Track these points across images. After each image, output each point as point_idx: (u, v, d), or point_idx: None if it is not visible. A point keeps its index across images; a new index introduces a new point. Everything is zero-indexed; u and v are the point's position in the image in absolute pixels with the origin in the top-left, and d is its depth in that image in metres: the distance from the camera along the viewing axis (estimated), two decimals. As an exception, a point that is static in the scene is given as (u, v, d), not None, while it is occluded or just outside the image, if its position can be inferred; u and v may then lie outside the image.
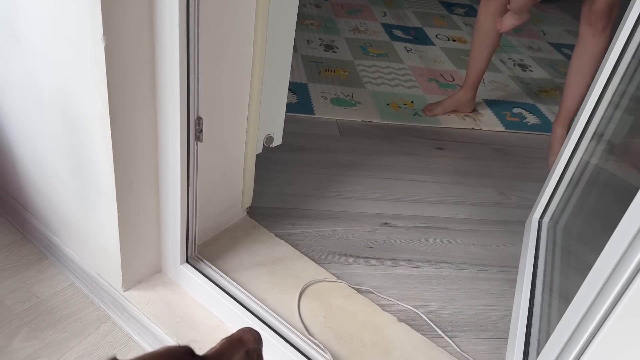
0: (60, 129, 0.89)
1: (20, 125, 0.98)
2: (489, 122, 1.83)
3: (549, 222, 1.23)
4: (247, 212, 1.22)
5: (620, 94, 1.10)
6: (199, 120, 0.87)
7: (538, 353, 0.86)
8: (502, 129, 1.80)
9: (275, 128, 1.18)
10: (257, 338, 0.61)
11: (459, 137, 1.73)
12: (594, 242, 1.12)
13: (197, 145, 0.89)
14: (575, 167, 1.18)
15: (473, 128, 1.78)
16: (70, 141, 0.89)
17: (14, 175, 1.09)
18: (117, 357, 0.58)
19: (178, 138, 0.84)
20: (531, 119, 1.90)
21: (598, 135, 1.15)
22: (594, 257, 1.05)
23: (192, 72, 0.81)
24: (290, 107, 1.71)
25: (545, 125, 1.86)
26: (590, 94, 1.11)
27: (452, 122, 1.79)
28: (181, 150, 0.85)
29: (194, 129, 0.87)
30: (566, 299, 0.95)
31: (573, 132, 1.15)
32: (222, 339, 0.59)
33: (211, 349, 0.58)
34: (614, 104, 1.12)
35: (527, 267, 1.09)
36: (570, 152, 1.16)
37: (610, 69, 1.05)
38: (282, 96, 1.14)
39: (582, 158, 1.17)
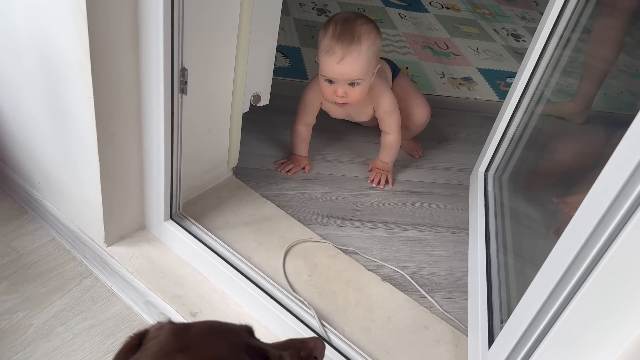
0: (39, 78, 0.86)
1: (-2, 74, 0.95)
2: (483, 91, 1.81)
3: (494, 175, 1.26)
4: (233, 172, 1.21)
5: (557, 57, 1.12)
6: (183, 71, 0.85)
7: (501, 312, 0.88)
8: (496, 98, 1.79)
9: (263, 87, 1.15)
10: (322, 348, 0.61)
11: (450, 104, 1.72)
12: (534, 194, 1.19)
13: (181, 97, 0.87)
14: (516, 125, 1.20)
15: (467, 97, 1.77)
16: (50, 90, 0.86)
17: (-8, 128, 1.06)
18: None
19: (162, 89, 0.81)
20: (522, 88, 1.89)
21: (538, 94, 1.16)
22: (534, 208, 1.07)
23: (176, 19, 0.78)
24: (283, 71, 1.68)
25: (535, 95, 1.86)
26: (530, 56, 1.10)
27: (447, 90, 1.77)
28: (165, 102, 0.83)
29: (179, 80, 0.84)
30: (520, 247, 0.97)
31: (515, 91, 1.16)
32: (288, 339, 0.61)
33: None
34: (552, 66, 1.13)
35: (478, 220, 1.10)
36: (512, 111, 1.17)
37: (548, 31, 1.06)
38: (270, 54, 1.11)
39: (522, 118, 1.19)
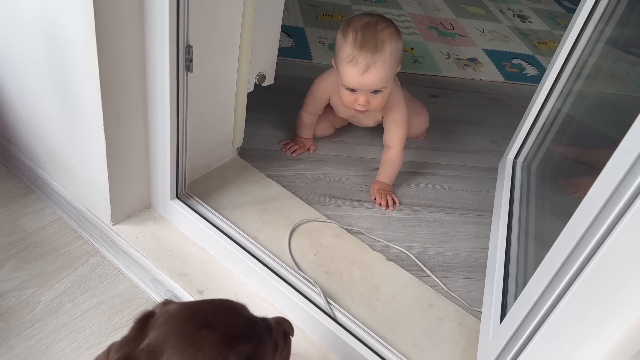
0: (44, 55, 0.85)
1: (1, 53, 0.94)
2: (488, 72, 1.80)
3: (523, 162, 1.24)
4: (238, 153, 1.21)
5: (593, 42, 1.09)
6: (188, 48, 0.84)
7: (517, 291, 0.88)
8: (502, 79, 1.77)
9: (268, 66, 1.14)
10: (290, 325, 0.68)
11: (456, 85, 1.71)
12: (578, 189, 1.14)
13: (187, 75, 0.86)
14: (547, 113, 1.19)
15: (472, 78, 1.75)
16: (55, 68, 0.85)
17: (-3, 107, 1.06)
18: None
19: (167, 66, 0.81)
20: (530, 70, 1.88)
21: (571, 82, 1.15)
22: (566, 199, 1.06)
23: (182, -5, 0.77)
24: (287, 52, 1.67)
25: (543, 77, 1.84)
26: (565, 42, 1.09)
27: (452, 71, 1.76)
28: (170, 80, 0.82)
29: (184, 58, 0.84)
30: (542, 233, 0.97)
31: (547, 77, 1.14)
32: (264, 318, 0.64)
33: None
34: (587, 53, 1.10)
35: (502, 205, 1.10)
36: (544, 98, 1.16)
37: (585, 16, 1.03)
38: (275, 33, 1.10)
39: (554, 106, 1.18)
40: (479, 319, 0.94)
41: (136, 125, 0.89)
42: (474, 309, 0.95)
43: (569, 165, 1.19)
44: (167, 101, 0.85)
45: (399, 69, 1.11)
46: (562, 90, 1.16)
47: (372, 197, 1.18)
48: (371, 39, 1.03)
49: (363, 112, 1.12)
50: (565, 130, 1.18)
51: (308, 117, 1.26)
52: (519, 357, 0.62)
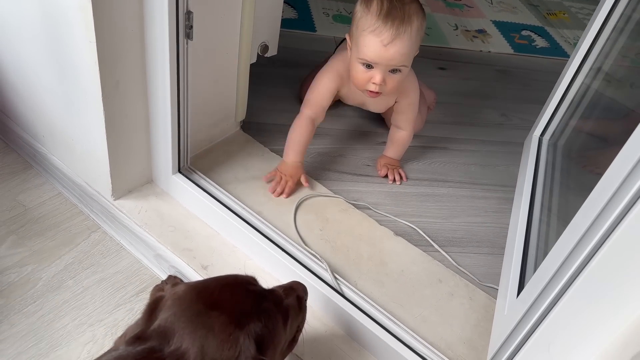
0: (39, 23, 0.82)
1: (-5, 20, 0.91)
2: (497, 43, 1.75)
3: (549, 139, 1.21)
4: (241, 127, 1.18)
5: (625, 18, 1.05)
6: (189, 14, 0.80)
7: (535, 268, 0.86)
8: (511, 51, 1.72)
9: (271, 37, 1.11)
10: (304, 289, 0.69)
11: (464, 57, 1.66)
12: (589, 162, 1.11)
13: (187, 43, 0.83)
14: (576, 89, 1.15)
15: (481, 50, 1.70)
16: (51, 36, 0.82)
17: (-8, 79, 1.03)
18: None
19: (167, 33, 0.77)
20: (540, 42, 1.83)
21: (601, 59, 1.10)
22: (590, 177, 1.03)
23: (180, -44, 0.73)
24: (290, 23, 1.62)
25: (555, 49, 1.79)
26: (595, 18, 1.04)
27: (460, 42, 1.71)
28: (170, 47, 0.79)
29: (184, 24, 0.80)
30: (565, 211, 0.94)
31: (576, 54, 1.10)
32: (274, 286, 0.66)
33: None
34: (618, 29, 1.06)
35: (526, 182, 1.07)
36: (573, 74, 1.12)
37: None
38: (277, 1, 1.06)
39: (583, 81, 1.13)
40: (490, 295, 0.92)
41: (136, 95, 0.86)
42: (485, 284, 0.93)
43: (595, 143, 1.15)
44: (167, 70, 0.81)
45: (417, 53, 1.00)
46: (591, 66, 1.12)
47: (379, 172, 1.14)
48: (399, 9, 0.93)
49: (376, 94, 1.00)
50: (594, 107, 1.14)
51: (309, 124, 1.05)
52: (535, 331, 0.60)
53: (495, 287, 0.92)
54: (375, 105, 1.16)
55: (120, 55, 0.79)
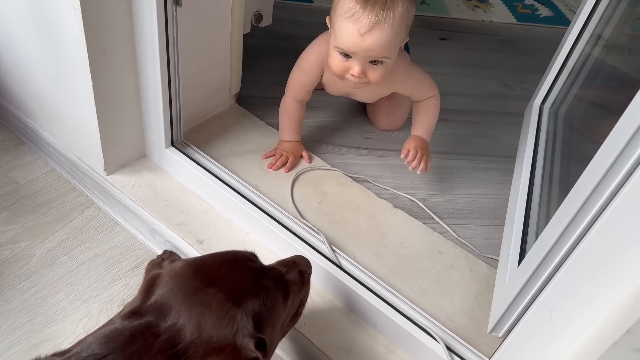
0: (21, -9, 0.79)
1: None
2: (499, 13, 1.70)
3: (550, 108, 1.18)
4: (237, 100, 1.15)
5: None
6: (177, -21, 0.77)
7: (536, 238, 0.84)
8: (514, 21, 1.68)
9: (265, 5, 1.07)
10: (308, 263, 0.68)
11: (465, 28, 1.62)
12: (591, 130, 1.08)
13: (176, 10, 0.80)
14: (577, 57, 1.12)
15: (483, 20, 1.66)
16: (35, 4, 0.79)
17: (-21, 54, 1.00)
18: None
19: (154, -2, 0.74)
20: (544, 11, 1.78)
21: (601, 26, 1.07)
22: (593, 146, 1.01)
23: None
24: (285, -6, 1.58)
25: (559, 18, 1.74)
26: None
27: (462, 12, 1.67)
28: (158, 14, 0.76)
29: (172, -10, 0.77)
30: (566, 179, 0.92)
31: (575, 22, 1.07)
32: (276, 261, 0.65)
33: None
34: None
35: (526, 150, 1.04)
36: (573, 42, 1.09)
37: None
38: (272, -32, 1.02)
39: (583, 49, 1.10)
40: (491, 266, 0.90)
41: (125, 66, 0.83)
42: (486, 255, 0.92)
43: (598, 111, 1.12)
44: (156, 39, 0.79)
45: (407, 40, 0.90)
46: (592, 34, 1.08)
47: (402, 153, 0.97)
48: None
49: (356, 86, 0.91)
50: (594, 74, 1.11)
51: (295, 105, 1.00)
52: (536, 299, 0.58)
53: (496, 258, 0.90)
54: (364, 95, 1.06)
55: (107, 23, 0.77)
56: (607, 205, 0.52)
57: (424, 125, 1.01)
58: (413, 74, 1.00)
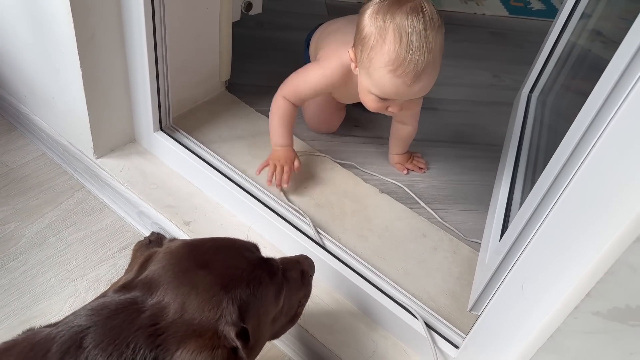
0: (11, -25, 0.80)
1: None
2: (491, 6, 1.72)
3: (538, 96, 1.19)
4: (227, 87, 1.16)
5: None
6: (163, -38, 0.78)
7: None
8: (506, 13, 1.69)
9: (255, -7, 1.09)
10: (311, 264, 0.67)
11: (457, 20, 1.63)
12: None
13: (163, -6, 0.81)
14: (563, 46, 1.13)
15: (475, 13, 1.67)
16: (23, -12, 0.80)
17: (-28, 39, 1.02)
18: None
19: (140, -19, 0.76)
20: (536, 4, 1.79)
21: (586, 17, 1.08)
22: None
23: None
24: (277, -14, 1.59)
25: (551, 11, 1.75)
26: None
27: (453, 4, 1.68)
28: (145, -3, 0.77)
29: (158, -27, 0.78)
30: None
31: (561, 11, 1.09)
32: (280, 257, 0.63)
33: None
34: None
35: (512, 137, 1.06)
36: (559, 32, 1.10)
37: None
38: (261, -44, 1.04)
39: (569, 39, 1.11)
40: (474, 249, 0.91)
41: (113, 49, 0.84)
42: (469, 239, 0.93)
43: (584, 99, 1.13)
44: (143, 22, 0.80)
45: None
46: (577, 23, 1.10)
47: (403, 172, 1.06)
48: (422, 39, 0.76)
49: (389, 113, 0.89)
50: (581, 63, 1.12)
51: (289, 107, 0.94)
52: (509, 273, 0.59)
53: (479, 241, 0.91)
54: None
55: (94, 6, 0.78)
56: (569, 184, 0.53)
57: (400, 146, 1.06)
58: (419, 101, 0.97)
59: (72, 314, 0.48)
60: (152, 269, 0.53)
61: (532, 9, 1.76)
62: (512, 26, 1.66)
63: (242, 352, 0.48)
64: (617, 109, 0.44)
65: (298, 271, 0.64)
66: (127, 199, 0.91)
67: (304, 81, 0.93)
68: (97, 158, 0.94)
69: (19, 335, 0.47)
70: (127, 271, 0.84)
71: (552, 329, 0.48)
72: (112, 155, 0.96)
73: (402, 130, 1.03)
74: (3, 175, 0.96)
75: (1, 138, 1.03)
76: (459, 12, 1.65)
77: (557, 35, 1.13)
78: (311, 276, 0.67)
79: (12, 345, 0.45)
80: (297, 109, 0.96)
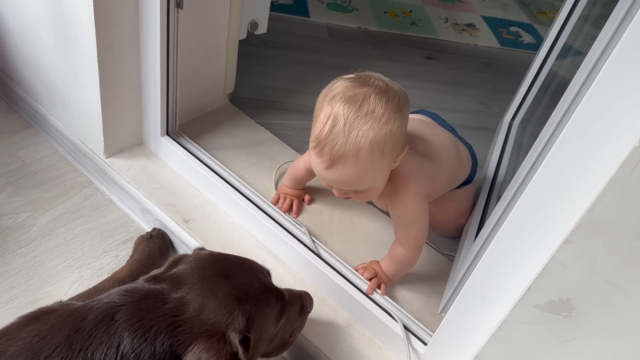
0: (42, -12, 0.89)
1: (2, -14, 0.98)
2: (484, 37, 1.82)
3: (519, 124, 1.28)
4: (230, 100, 1.25)
5: (590, 6, 1.13)
6: (180, -15, 0.87)
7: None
8: (497, 45, 1.79)
9: (261, 14, 1.18)
10: (311, 302, 0.75)
11: (451, 49, 1.73)
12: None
13: (177, 12, 0.90)
14: (544, 77, 1.22)
15: (468, 43, 1.77)
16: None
17: (-2, 43, 1.10)
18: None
19: (158, 0, 0.84)
20: (527, 38, 1.89)
21: (566, 48, 1.18)
22: None
23: None
24: (284, 9, 1.69)
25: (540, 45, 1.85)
26: (561, 9, 1.12)
27: (448, 35, 1.78)
28: (161, 14, 0.86)
29: (175, -6, 0.87)
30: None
31: (544, 43, 1.18)
32: (286, 288, 0.71)
33: None
34: (583, 18, 1.13)
35: (491, 160, 1.14)
36: (541, 62, 1.19)
37: None
38: (269, -19, 1.13)
39: (550, 69, 1.20)
40: (450, 260, 0.98)
41: (129, 59, 0.93)
42: (444, 252, 1.00)
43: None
44: (158, 36, 0.88)
45: (405, 151, 0.78)
46: (558, 55, 1.19)
47: (355, 268, 0.89)
48: (346, 128, 0.71)
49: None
50: (560, 92, 1.20)
51: (305, 172, 0.95)
52: (470, 276, 0.66)
53: (454, 254, 0.99)
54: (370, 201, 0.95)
55: (116, 20, 0.86)
56: (518, 200, 0.60)
57: (389, 266, 0.88)
58: (407, 207, 0.84)
59: (107, 294, 0.56)
60: (181, 267, 0.61)
61: (523, 42, 1.86)
62: (502, 57, 1.75)
63: (242, 356, 0.56)
64: (553, 141, 0.52)
65: (299, 305, 0.72)
66: (132, 196, 0.99)
67: (294, 168, 0.97)
68: (106, 157, 1.02)
69: (54, 303, 0.56)
70: (128, 262, 0.91)
71: (500, 320, 0.56)
72: (121, 155, 1.04)
73: (394, 249, 0.88)
74: (18, 169, 1.04)
75: (18, 135, 1.11)
76: (453, 42, 1.75)
77: (539, 66, 1.22)
78: (308, 312, 0.75)
79: (50, 310, 0.54)
80: (313, 174, 0.93)
